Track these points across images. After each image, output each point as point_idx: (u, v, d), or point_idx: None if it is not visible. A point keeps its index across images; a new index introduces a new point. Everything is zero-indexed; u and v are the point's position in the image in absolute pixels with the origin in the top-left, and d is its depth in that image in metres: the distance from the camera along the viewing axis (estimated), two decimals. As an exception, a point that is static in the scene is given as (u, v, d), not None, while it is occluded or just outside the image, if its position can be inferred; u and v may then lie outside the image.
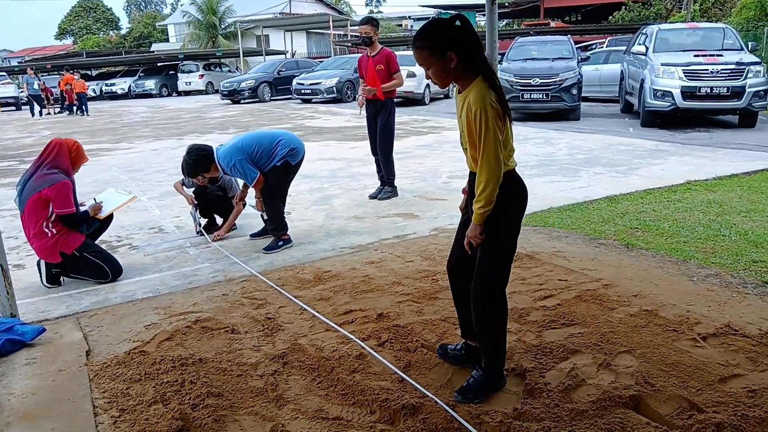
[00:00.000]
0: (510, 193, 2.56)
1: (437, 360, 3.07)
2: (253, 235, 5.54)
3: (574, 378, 2.80)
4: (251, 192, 5.29)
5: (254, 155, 5.01)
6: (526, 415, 2.54)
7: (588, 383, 2.77)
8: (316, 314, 3.68)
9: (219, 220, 5.83)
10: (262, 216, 5.48)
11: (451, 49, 2.37)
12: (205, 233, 5.63)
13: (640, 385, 2.72)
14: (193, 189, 5.69)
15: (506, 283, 2.71)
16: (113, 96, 34.06)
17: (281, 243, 5.20)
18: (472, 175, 2.64)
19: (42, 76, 29.16)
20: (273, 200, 5.19)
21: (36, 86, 24.08)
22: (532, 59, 14.49)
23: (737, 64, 11.16)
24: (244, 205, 5.61)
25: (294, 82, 23.31)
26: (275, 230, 5.24)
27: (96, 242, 4.78)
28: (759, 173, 7.33)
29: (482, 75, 2.43)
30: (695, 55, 11.62)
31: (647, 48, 12.57)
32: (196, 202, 5.65)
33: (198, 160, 5.06)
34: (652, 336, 3.20)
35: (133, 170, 9.56)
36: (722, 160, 8.23)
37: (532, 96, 13.56)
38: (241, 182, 5.37)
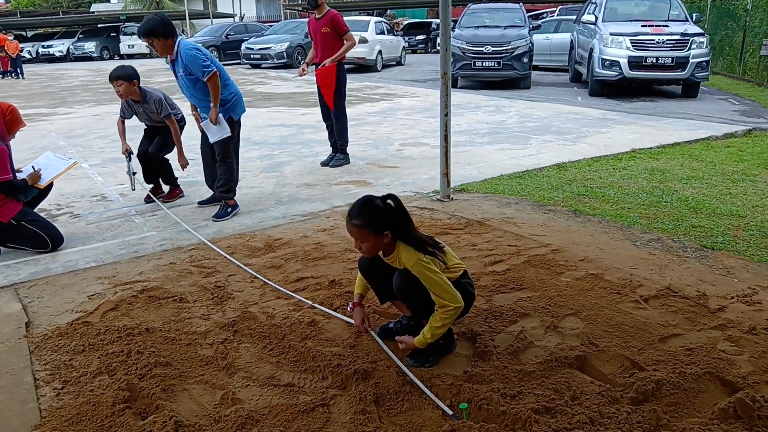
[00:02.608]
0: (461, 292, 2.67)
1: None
2: (201, 203, 5.40)
3: (522, 340, 2.86)
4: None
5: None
6: (476, 377, 2.59)
7: (536, 345, 2.84)
8: (267, 281, 3.64)
9: (165, 188, 5.66)
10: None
11: (387, 228, 2.56)
12: (153, 197, 5.45)
13: (585, 345, 2.80)
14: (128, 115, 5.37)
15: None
16: (50, 58, 32.52)
17: (230, 209, 5.08)
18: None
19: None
20: (228, 154, 5.02)
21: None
22: (485, 26, 14.49)
23: (682, 35, 11.43)
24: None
25: (243, 46, 22.72)
26: (225, 192, 5.06)
27: (35, 210, 4.58)
28: (700, 142, 7.58)
29: (406, 243, 2.60)
30: (642, 26, 11.84)
31: (597, 17, 12.73)
32: (131, 151, 5.35)
33: (165, 23, 4.70)
34: (597, 299, 3.29)
35: (74, 136, 9.17)
36: (666, 129, 8.46)
37: (484, 64, 13.60)
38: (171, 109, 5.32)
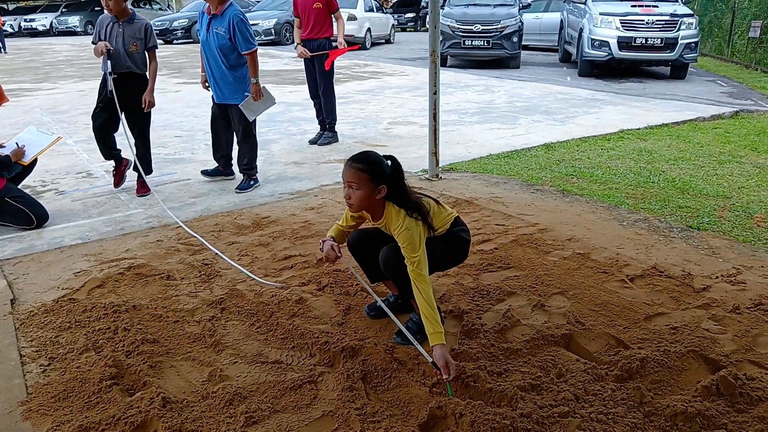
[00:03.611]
0: (451, 244, 2.72)
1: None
2: (205, 172, 5.46)
3: (509, 319, 2.88)
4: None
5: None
6: (463, 355, 2.60)
7: (522, 323, 2.86)
8: (230, 262, 3.63)
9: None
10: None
11: (385, 183, 2.53)
12: (146, 185, 4.98)
13: (572, 324, 2.83)
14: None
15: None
16: (33, 33, 31.84)
17: (252, 182, 5.16)
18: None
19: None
20: (251, 131, 5.06)
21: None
22: (474, 5, 14.38)
23: (671, 15, 11.41)
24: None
25: (231, 22, 22.34)
26: (249, 169, 5.15)
27: (19, 187, 4.52)
28: (687, 123, 7.61)
29: (401, 207, 2.54)
30: (632, 6, 11.80)
31: (587, -3, 12.67)
32: (110, 47, 4.64)
33: None
34: (584, 278, 3.32)
35: (58, 112, 9.03)
36: (654, 110, 8.48)
37: (473, 43, 13.52)
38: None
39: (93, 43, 4.81)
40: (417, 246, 2.48)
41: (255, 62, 4.83)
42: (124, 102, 4.78)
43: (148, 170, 5.07)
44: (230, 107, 5.01)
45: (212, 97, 5.12)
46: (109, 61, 4.64)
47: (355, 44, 6.50)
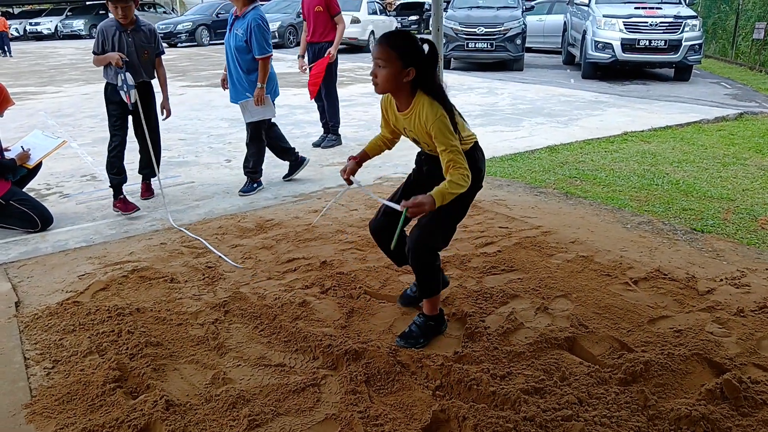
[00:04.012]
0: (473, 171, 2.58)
1: (380, 306, 3.09)
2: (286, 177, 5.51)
3: (512, 322, 2.87)
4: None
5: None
6: (466, 358, 2.60)
7: (526, 326, 2.85)
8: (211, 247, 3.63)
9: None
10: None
11: (415, 65, 2.39)
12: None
13: (575, 327, 2.82)
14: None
15: (446, 244, 2.75)
16: (38, 36, 31.99)
17: (255, 185, 5.19)
18: (425, 153, 2.73)
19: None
20: (259, 135, 5.07)
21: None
22: (477, 7, 14.40)
23: (675, 17, 11.39)
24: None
25: (233, 25, 22.41)
26: (253, 173, 5.17)
27: (24, 190, 4.54)
28: (691, 125, 7.60)
29: (430, 94, 2.44)
30: (636, 8, 11.79)
31: (590, -1, 12.67)
32: (126, 59, 4.39)
33: None
34: (588, 280, 3.31)
35: (63, 115, 9.07)
36: (658, 112, 8.47)
37: (476, 45, 13.53)
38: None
39: (95, 53, 4.54)
40: (452, 132, 2.38)
41: (265, 68, 4.81)
42: (138, 115, 4.60)
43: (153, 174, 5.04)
44: None
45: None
46: (128, 73, 4.40)
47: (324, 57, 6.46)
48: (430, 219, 2.57)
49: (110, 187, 4.70)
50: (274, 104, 5.01)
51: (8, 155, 4.40)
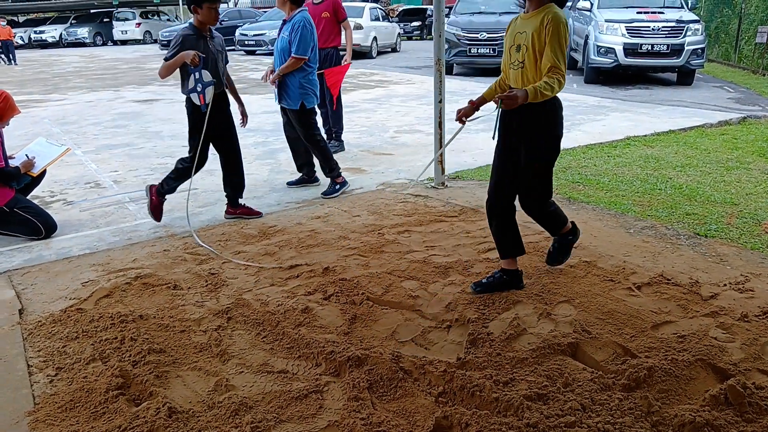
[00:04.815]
0: (556, 112, 3.07)
1: (382, 312, 3.09)
2: (290, 183, 5.54)
3: (515, 327, 2.87)
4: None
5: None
6: (469, 363, 2.60)
7: (529, 332, 2.85)
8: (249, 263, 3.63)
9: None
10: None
11: None
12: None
13: (578, 333, 2.81)
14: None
15: (551, 194, 3.21)
16: (43, 44, 32.17)
17: (338, 186, 5.18)
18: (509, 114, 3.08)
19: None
20: (308, 134, 5.09)
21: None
22: (480, 13, 14.42)
23: (677, 21, 11.39)
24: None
25: (237, 32, 22.51)
26: (330, 171, 5.16)
27: (28, 197, 4.56)
28: (694, 129, 7.58)
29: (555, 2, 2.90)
30: (638, 12, 11.79)
31: (592, 4, 12.68)
32: (202, 55, 4.11)
33: None
34: (591, 286, 3.30)
35: (67, 123, 9.11)
36: (661, 117, 8.46)
37: (479, 51, 13.54)
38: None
39: (166, 59, 4.19)
40: (563, 46, 2.82)
41: (294, 65, 4.86)
42: (213, 124, 4.36)
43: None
44: (288, 111, 5.12)
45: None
46: (204, 71, 4.15)
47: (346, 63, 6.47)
48: (533, 177, 3.07)
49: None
50: (312, 110, 5.07)
51: (13, 163, 4.42)
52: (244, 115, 4.74)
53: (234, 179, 4.67)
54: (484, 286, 3.24)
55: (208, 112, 4.24)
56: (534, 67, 2.91)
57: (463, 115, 3.14)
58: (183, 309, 3.18)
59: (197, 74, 4.16)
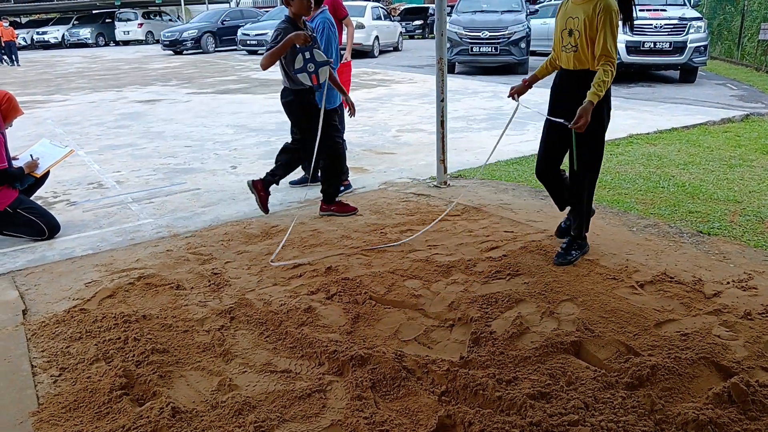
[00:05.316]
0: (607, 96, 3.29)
1: (385, 312, 3.09)
2: (293, 183, 5.51)
3: (518, 326, 2.87)
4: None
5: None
6: (472, 362, 2.60)
7: (532, 331, 2.85)
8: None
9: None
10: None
11: None
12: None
13: (581, 331, 2.81)
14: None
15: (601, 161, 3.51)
16: (45, 45, 32.28)
17: (342, 189, 5.15)
18: (565, 71, 3.44)
19: (-34, 22, 27.23)
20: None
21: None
22: (482, 11, 14.42)
23: (680, 19, 11.37)
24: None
25: (239, 32, 22.57)
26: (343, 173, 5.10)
27: (31, 198, 4.57)
28: (697, 127, 7.56)
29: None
30: (640, 10, 11.75)
31: (594, 2, 12.65)
32: (314, 35, 4.19)
33: None
34: (593, 284, 3.30)
35: (70, 123, 9.13)
36: (663, 115, 8.44)
37: (481, 49, 13.54)
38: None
39: (269, 48, 4.11)
40: (615, 33, 3.08)
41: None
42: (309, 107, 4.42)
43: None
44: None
45: None
46: (315, 50, 4.07)
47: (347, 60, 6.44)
48: (586, 151, 3.39)
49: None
50: (334, 110, 4.86)
51: (17, 164, 4.43)
52: (351, 106, 4.63)
53: (307, 162, 4.72)
54: (562, 252, 3.56)
55: (324, 91, 4.20)
56: (587, 50, 3.22)
57: (516, 92, 3.57)
58: (186, 309, 3.19)
59: (308, 54, 4.07)
